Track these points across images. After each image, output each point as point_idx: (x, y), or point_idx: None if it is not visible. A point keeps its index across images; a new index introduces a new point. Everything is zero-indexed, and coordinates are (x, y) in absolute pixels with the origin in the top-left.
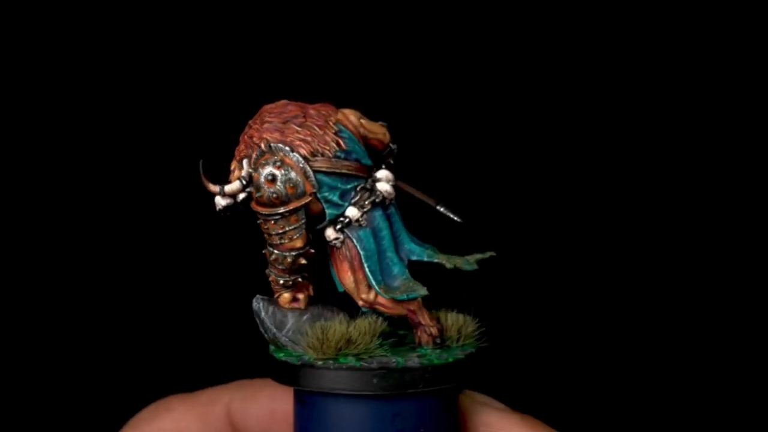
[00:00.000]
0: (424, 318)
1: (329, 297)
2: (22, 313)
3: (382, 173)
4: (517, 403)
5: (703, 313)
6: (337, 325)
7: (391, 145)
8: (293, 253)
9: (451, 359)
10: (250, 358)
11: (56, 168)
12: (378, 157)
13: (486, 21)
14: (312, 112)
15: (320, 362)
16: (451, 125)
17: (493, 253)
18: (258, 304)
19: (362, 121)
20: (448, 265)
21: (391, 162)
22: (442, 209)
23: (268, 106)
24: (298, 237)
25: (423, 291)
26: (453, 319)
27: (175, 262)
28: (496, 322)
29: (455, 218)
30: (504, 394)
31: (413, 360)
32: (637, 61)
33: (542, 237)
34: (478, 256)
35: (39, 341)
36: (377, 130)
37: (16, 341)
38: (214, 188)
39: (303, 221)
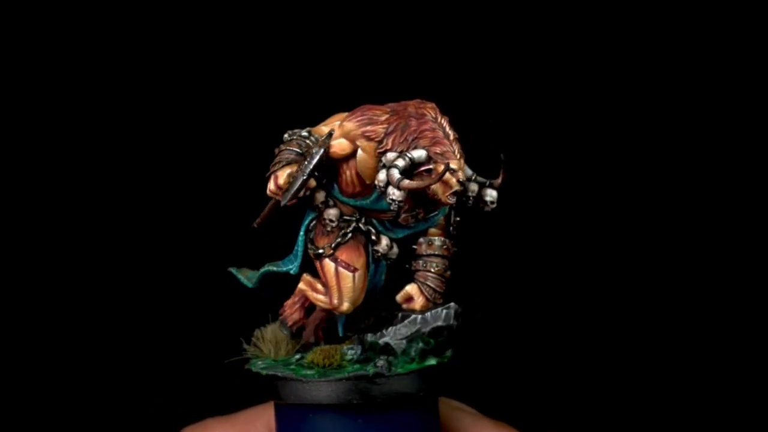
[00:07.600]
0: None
1: None
2: (41, 325)
3: None
4: (489, 410)
5: (683, 322)
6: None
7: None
8: None
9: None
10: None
11: (56, 168)
12: None
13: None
14: None
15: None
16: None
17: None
18: None
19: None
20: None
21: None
22: None
23: None
24: None
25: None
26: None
27: (173, 263)
28: (468, 330)
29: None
30: (476, 401)
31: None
32: (637, 62)
33: (525, 241)
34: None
35: (43, 351)
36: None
37: (39, 356)
38: None
39: None
